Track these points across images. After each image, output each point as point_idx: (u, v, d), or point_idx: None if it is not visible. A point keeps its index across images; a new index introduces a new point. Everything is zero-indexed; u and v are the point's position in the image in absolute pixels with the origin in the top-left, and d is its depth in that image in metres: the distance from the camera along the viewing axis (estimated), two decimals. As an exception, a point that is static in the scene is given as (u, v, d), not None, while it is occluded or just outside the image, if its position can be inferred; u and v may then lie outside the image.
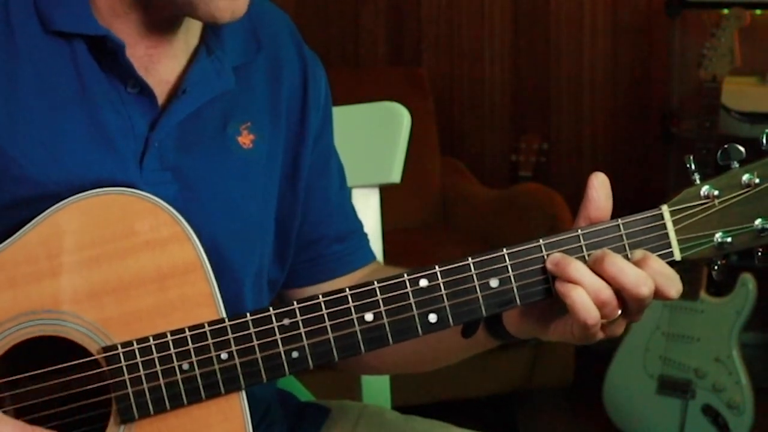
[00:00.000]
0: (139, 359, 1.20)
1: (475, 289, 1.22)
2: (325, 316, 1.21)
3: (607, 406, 3.35)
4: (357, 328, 1.21)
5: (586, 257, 1.21)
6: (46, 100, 1.24)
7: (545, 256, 1.21)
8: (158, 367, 1.20)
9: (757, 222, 1.22)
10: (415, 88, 3.91)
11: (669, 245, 1.22)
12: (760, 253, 1.24)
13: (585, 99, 4.16)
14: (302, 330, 1.21)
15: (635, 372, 3.28)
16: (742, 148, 1.23)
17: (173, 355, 1.20)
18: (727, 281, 3.25)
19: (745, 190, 1.22)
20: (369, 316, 1.21)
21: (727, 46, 3.30)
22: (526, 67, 4.20)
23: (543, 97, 4.19)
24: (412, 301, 1.21)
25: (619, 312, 1.20)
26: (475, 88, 4.23)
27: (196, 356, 1.20)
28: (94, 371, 1.20)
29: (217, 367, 1.20)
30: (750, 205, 1.22)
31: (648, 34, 4.08)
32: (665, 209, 1.22)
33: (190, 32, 1.32)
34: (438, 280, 1.21)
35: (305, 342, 1.21)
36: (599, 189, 1.22)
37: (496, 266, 1.21)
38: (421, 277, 1.22)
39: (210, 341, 1.20)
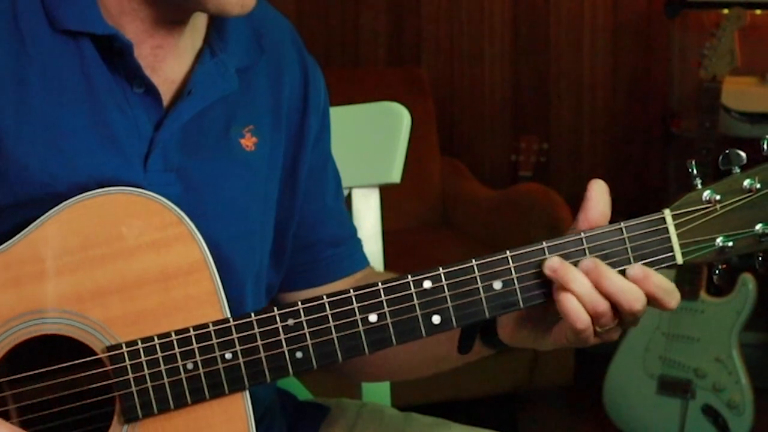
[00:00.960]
0: (143, 358, 1.20)
1: (479, 290, 1.22)
2: (330, 316, 1.22)
3: (607, 406, 3.35)
4: (361, 328, 1.22)
5: None
6: (53, 100, 1.24)
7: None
8: (162, 367, 1.20)
9: (758, 227, 1.23)
10: (415, 89, 3.91)
11: (671, 249, 1.23)
12: (760, 258, 1.25)
13: (585, 99, 4.16)
14: (306, 330, 1.21)
15: (635, 372, 3.29)
16: (743, 153, 1.23)
17: (177, 355, 1.20)
18: (727, 281, 3.25)
19: (747, 195, 1.23)
20: (373, 317, 1.22)
21: (727, 46, 3.30)
22: (526, 67, 4.20)
23: (543, 97, 4.19)
24: (416, 302, 1.22)
25: (615, 322, 1.21)
26: (475, 88, 4.24)
27: (200, 356, 1.20)
28: (98, 370, 1.20)
29: (221, 366, 1.21)
30: (751, 210, 1.23)
31: (648, 34, 4.08)
32: (667, 213, 1.23)
33: (196, 33, 1.32)
34: (442, 281, 1.22)
35: (309, 342, 1.22)
36: (600, 193, 1.23)
37: (499, 268, 1.22)
38: (425, 278, 1.22)
39: (214, 341, 1.20)
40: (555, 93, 4.18)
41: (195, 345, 1.20)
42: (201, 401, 1.21)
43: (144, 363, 1.20)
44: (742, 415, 3.16)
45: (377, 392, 1.74)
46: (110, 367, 1.20)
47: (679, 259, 1.24)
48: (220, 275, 1.23)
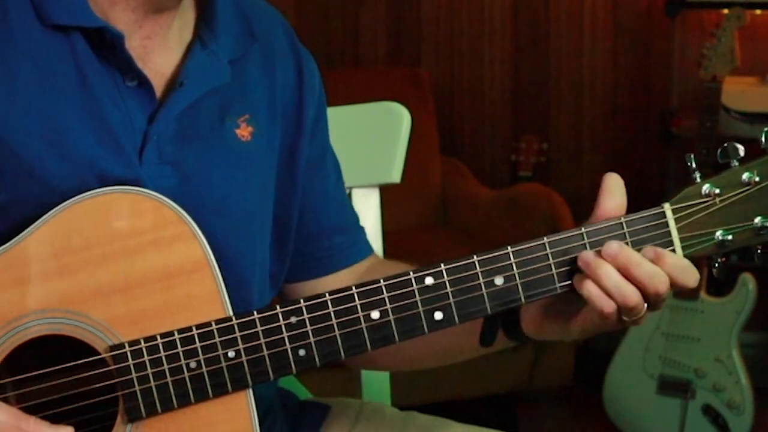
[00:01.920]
0: (146, 358, 1.20)
1: (480, 287, 1.23)
2: (332, 314, 1.22)
3: (607, 406, 3.35)
4: (363, 325, 1.22)
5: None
6: (46, 95, 1.24)
7: (549, 255, 1.23)
8: (165, 366, 1.20)
9: (757, 220, 1.24)
10: (415, 88, 3.91)
11: (671, 243, 1.24)
12: (759, 251, 1.26)
13: (585, 99, 4.16)
14: (309, 328, 1.22)
15: (635, 372, 3.29)
16: (741, 147, 1.24)
17: (180, 354, 1.20)
18: (727, 281, 3.25)
19: (746, 188, 1.24)
20: (375, 314, 1.22)
21: (727, 46, 3.30)
22: (526, 67, 4.20)
23: (543, 97, 4.19)
24: (418, 298, 1.22)
25: (645, 308, 1.22)
26: (475, 88, 4.23)
27: (203, 354, 1.20)
28: (102, 370, 1.20)
29: (224, 365, 1.21)
30: (750, 204, 1.24)
31: (648, 34, 4.08)
32: (667, 207, 1.24)
33: (184, 26, 1.32)
34: (443, 278, 1.23)
35: (312, 340, 1.22)
36: (614, 186, 1.24)
37: (500, 264, 1.23)
38: (427, 275, 1.23)
39: (217, 339, 1.21)
40: (555, 93, 4.18)
41: (198, 344, 1.20)
42: (204, 400, 1.21)
43: (147, 362, 1.20)
44: (742, 415, 3.16)
45: (377, 392, 1.74)
46: (113, 367, 1.20)
47: (680, 253, 1.24)
48: (220, 268, 1.23)
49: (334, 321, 1.22)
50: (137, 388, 1.20)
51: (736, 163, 1.24)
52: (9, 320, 1.20)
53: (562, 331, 1.27)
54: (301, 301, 1.22)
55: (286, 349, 1.22)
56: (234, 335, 1.21)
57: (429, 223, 3.90)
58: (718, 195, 1.24)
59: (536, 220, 3.47)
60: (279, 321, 1.21)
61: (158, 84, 1.30)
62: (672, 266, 1.21)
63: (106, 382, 1.21)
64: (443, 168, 3.95)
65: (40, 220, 1.20)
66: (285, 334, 1.21)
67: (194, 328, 1.21)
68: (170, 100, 1.29)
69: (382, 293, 1.22)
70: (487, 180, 3.98)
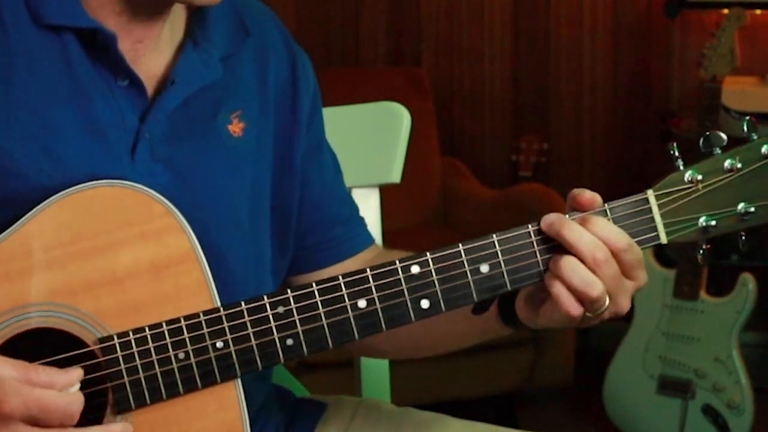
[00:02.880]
0: (135, 349, 1.20)
1: (466, 274, 1.24)
2: (319, 303, 1.23)
3: (607, 406, 3.35)
4: (350, 314, 1.23)
5: None
6: (38, 94, 1.25)
7: (534, 242, 1.24)
8: (154, 357, 1.20)
9: (740, 206, 1.25)
10: (415, 88, 3.92)
11: (655, 229, 1.25)
12: (743, 237, 1.27)
13: (585, 99, 4.16)
14: (296, 317, 1.22)
15: (635, 372, 3.29)
16: (724, 135, 1.25)
17: (169, 345, 1.21)
18: (727, 281, 3.25)
19: (728, 174, 1.25)
20: (362, 303, 1.23)
21: (727, 46, 3.30)
22: (526, 67, 4.20)
23: (543, 97, 4.19)
24: (404, 287, 1.23)
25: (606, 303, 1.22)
26: (475, 88, 4.24)
27: (191, 345, 1.21)
28: (91, 362, 1.21)
29: (212, 355, 1.21)
30: (733, 190, 1.25)
31: (648, 34, 4.08)
32: (650, 194, 1.25)
33: (175, 27, 1.33)
34: (429, 266, 1.24)
35: (299, 329, 1.23)
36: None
37: (486, 252, 1.24)
38: (413, 263, 1.23)
39: (205, 330, 1.21)
40: (555, 93, 4.18)
41: (186, 335, 1.21)
42: (193, 390, 1.22)
43: (136, 353, 1.20)
44: (742, 415, 3.16)
45: (377, 392, 1.74)
46: (102, 359, 1.20)
47: (663, 239, 1.25)
48: (210, 263, 1.24)
49: (321, 310, 1.23)
50: (126, 379, 1.20)
51: (719, 151, 1.25)
52: (-3, 314, 1.20)
53: (533, 320, 1.28)
54: (288, 291, 1.23)
55: (274, 339, 1.22)
56: (222, 326, 1.21)
57: (429, 223, 3.91)
58: (701, 181, 1.25)
59: (536, 220, 3.47)
60: (266, 311, 1.22)
61: (150, 85, 1.30)
62: (601, 228, 1.21)
63: (96, 374, 1.21)
64: (443, 168, 3.96)
65: (27, 215, 1.21)
66: (272, 324, 1.22)
67: (182, 320, 1.21)
68: (161, 98, 1.29)
69: (369, 282, 1.23)
70: (487, 180, 3.99)
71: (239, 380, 1.23)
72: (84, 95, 1.26)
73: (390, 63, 4.26)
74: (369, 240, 1.52)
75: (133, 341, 1.20)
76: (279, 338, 1.22)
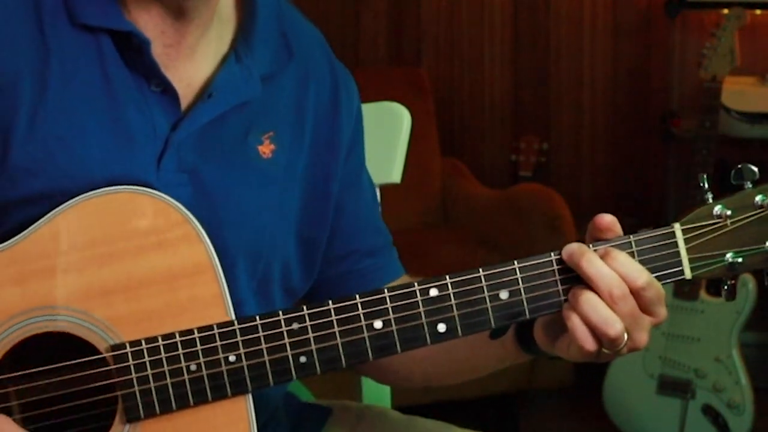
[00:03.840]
0: (147, 358, 1.20)
1: (485, 300, 1.22)
2: (335, 322, 1.21)
3: (607, 406, 3.35)
4: (366, 335, 1.22)
5: None
6: (70, 94, 1.24)
7: (556, 270, 1.22)
8: (166, 367, 1.20)
9: None
10: (415, 89, 3.91)
11: (680, 263, 1.23)
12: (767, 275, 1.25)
13: (585, 99, 4.16)
14: (311, 335, 1.21)
15: (635, 372, 3.28)
16: (755, 168, 1.23)
17: (181, 356, 1.20)
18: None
19: (758, 211, 1.22)
20: (378, 324, 1.22)
21: (727, 46, 3.30)
22: (526, 67, 4.20)
23: (543, 97, 4.19)
24: (421, 309, 1.22)
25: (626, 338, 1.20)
26: (475, 88, 4.23)
27: (204, 357, 1.20)
28: (102, 369, 1.20)
29: (224, 369, 1.20)
30: (762, 227, 1.22)
31: (648, 34, 4.08)
32: (677, 227, 1.23)
33: (221, 38, 1.32)
34: (448, 290, 1.22)
35: (313, 347, 1.22)
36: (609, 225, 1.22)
37: (506, 278, 1.22)
38: (432, 286, 1.22)
39: (218, 343, 1.20)
40: (555, 93, 4.18)
41: (199, 347, 1.20)
42: (203, 403, 1.21)
43: (147, 363, 1.20)
44: (742, 415, 3.16)
45: (378, 393, 1.73)
46: (113, 366, 1.20)
47: (688, 274, 1.23)
48: (227, 279, 1.23)
49: (336, 329, 1.21)
50: (136, 388, 1.20)
51: (750, 185, 1.23)
52: (11, 316, 1.20)
53: (555, 349, 1.26)
54: (304, 308, 1.22)
55: (287, 356, 1.21)
56: (235, 339, 1.20)
57: (429, 222, 3.90)
58: (730, 217, 1.22)
59: (536, 220, 3.47)
60: (281, 327, 1.21)
61: (185, 93, 1.29)
62: (621, 264, 1.19)
63: (106, 382, 1.20)
64: (443, 168, 3.95)
65: (45, 217, 1.21)
66: (286, 341, 1.21)
67: (196, 331, 1.20)
68: (197, 110, 1.28)
69: (386, 303, 1.22)
70: (487, 180, 3.98)
71: (250, 395, 1.22)
72: (115, 99, 1.25)
73: (390, 63, 4.26)
74: (398, 271, 1.50)
75: (145, 350, 1.20)
76: (292, 355, 1.21)
